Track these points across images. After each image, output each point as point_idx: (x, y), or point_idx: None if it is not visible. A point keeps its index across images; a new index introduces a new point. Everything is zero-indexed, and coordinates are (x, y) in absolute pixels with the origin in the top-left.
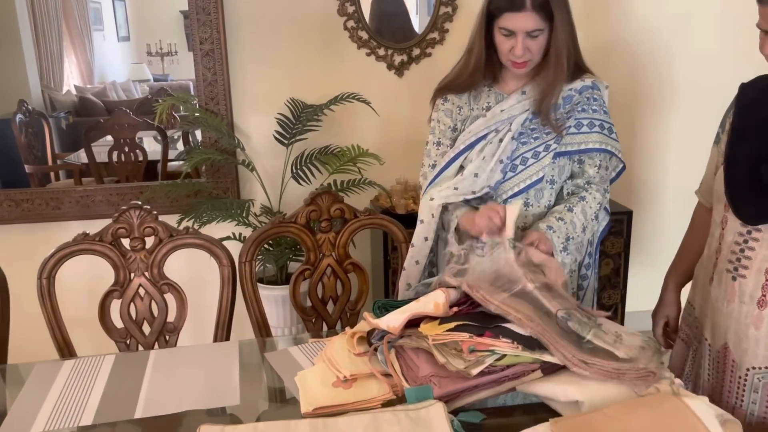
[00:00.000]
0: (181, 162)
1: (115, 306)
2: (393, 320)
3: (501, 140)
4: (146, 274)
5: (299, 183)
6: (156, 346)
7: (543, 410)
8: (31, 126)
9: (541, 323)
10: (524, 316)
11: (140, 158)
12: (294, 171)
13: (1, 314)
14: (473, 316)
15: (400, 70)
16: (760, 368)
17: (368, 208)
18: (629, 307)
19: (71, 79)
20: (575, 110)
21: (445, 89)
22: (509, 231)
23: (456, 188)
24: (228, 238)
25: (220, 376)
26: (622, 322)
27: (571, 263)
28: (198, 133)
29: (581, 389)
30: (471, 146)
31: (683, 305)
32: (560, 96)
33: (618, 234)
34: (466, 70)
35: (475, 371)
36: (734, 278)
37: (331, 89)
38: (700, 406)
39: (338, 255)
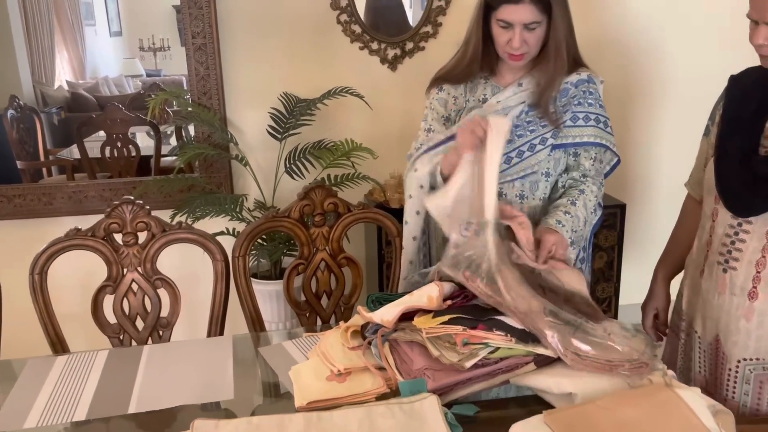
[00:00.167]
0: (174, 157)
1: (108, 301)
2: (387, 314)
3: None
4: (139, 269)
5: (293, 177)
6: (149, 341)
7: (536, 403)
8: (22, 122)
9: (534, 315)
10: (518, 310)
11: (133, 154)
12: (287, 165)
13: None
14: (467, 309)
15: (393, 64)
16: (751, 360)
17: (362, 202)
18: (623, 300)
19: (63, 75)
20: (571, 104)
21: (441, 79)
22: (497, 151)
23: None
24: (222, 233)
25: (214, 371)
26: (615, 315)
27: (581, 255)
28: (191, 129)
29: (574, 381)
30: None
31: (673, 297)
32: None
33: (611, 227)
34: (462, 62)
35: (468, 364)
36: (725, 270)
37: (325, 83)
38: (693, 397)
39: (332, 249)
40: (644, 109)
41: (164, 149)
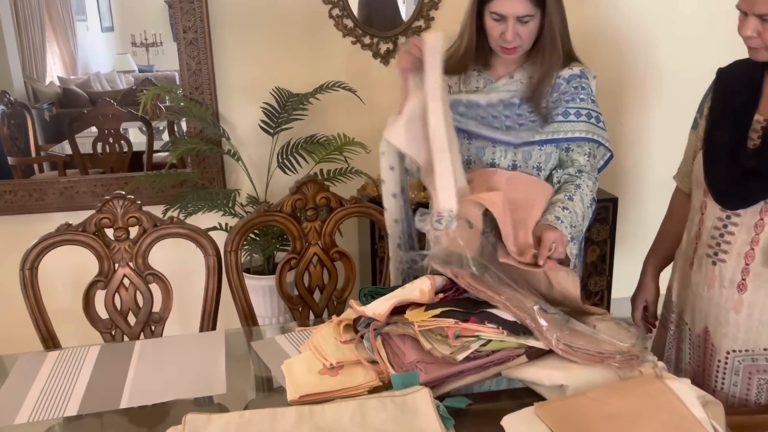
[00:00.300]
0: (167, 153)
1: (100, 297)
2: (379, 307)
3: None
4: (131, 264)
5: (285, 172)
6: (141, 336)
7: (528, 395)
8: (13, 117)
9: (526, 305)
10: (509, 302)
11: (125, 149)
12: (280, 160)
13: None
14: (459, 302)
15: (385, 58)
16: (740, 351)
17: (354, 196)
18: (615, 293)
19: (54, 70)
20: (562, 99)
21: None
22: (435, 69)
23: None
24: (214, 228)
25: (207, 366)
26: (608, 309)
27: (576, 253)
28: (184, 124)
29: (566, 373)
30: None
31: (663, 290)
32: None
33: (604, 221)
34: (456, 55)
35: (460, 357)
36: (714, 263)
37: (317, 78)
38: (683, 388)
39: (324, 243)
40: (637, 103)
41: (157, 145)
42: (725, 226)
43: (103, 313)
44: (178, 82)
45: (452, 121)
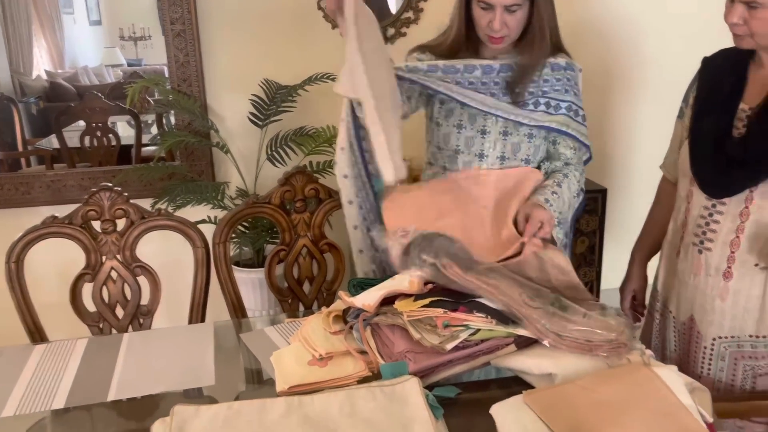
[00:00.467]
0: (156, 147)
1: (87, 290)
2: (368, 298)
3: None
4: (118, 256)
5: (274, 165)
6: (130, 329)
7: (517, 384)
8: (0, 112)
9: (513, 297)
10: (497, 291)
11: (113, 143)
12: (269, 153)
13: None
14: (448, 291)
15: None
16: (726, 338)
17: None
18: (604, 284)
19: (41, 64)
20: (541, 88)
21: (425, 47)
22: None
23: None
24: (203, 221)
25: (195, 358)
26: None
27: (563, 238)
28: (173, 118)
29: (554, 362)
30: None
31: (650, 279)
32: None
33: (593, 212)
34: (445, 44)
35: (449, 346)
36: (700, 251)
37: (306, 69)
38: (670, 375)
39: (314, 235)
40: (624, 94)
41: (145, 138)
42: (711, 215)
43: (90, 306)
44: (167, 76)
45: (389, 72)
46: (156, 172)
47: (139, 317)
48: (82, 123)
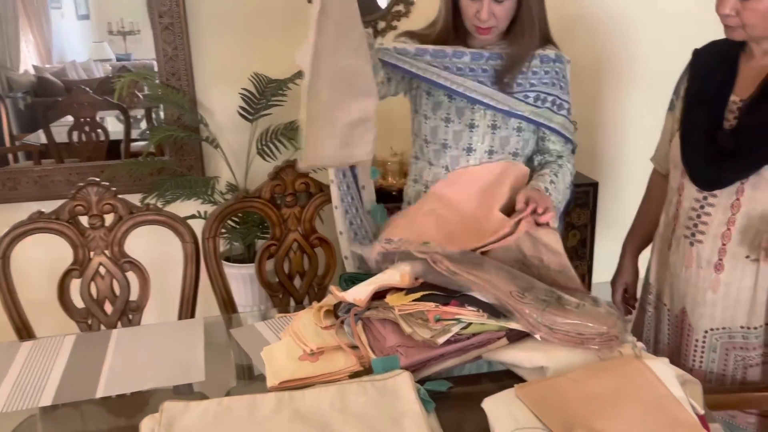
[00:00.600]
0: (145, 142)
1: (76, 286)
2: (359, 293)
3: None
4: (106, 252)
5: (265, 159)
6: (119, 325)
7: (509, 377)
8: None
9: (505, 291)
10: (489, 284)
11: (102, 138)
12: (259, 147)
13: None
14: (439, 286)
15: None
16: (718, 329)
17: None
18: (596, 278)
19: (29, 59)
20: (529, 80)
21: (412, 34)
22: None
23: None
24: (193, 216)
25: (185, 353)
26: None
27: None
28: (162, 113)
29: (546, 355)
30: None
31: (642, 272)
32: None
33: (584, 206)
34: (433, 34)
35: (441, 340)
36: (692, 244)
37: (296, 63)
38: (661, 367)
39: (304, 230)
40: (615, 87)
41: (135, 134)
42: (702, 207)
43: (78, 303)
44: (156, 71)
45: (356, 53)
46: (145, 167)
47: (128, 313)
48: (70, 118)
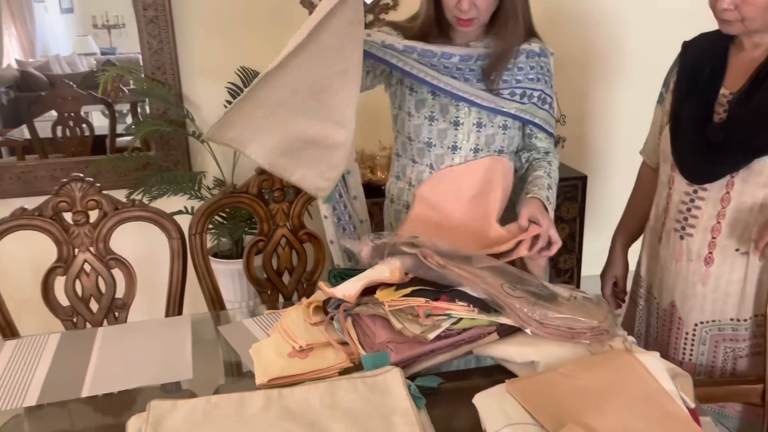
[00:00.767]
0: (131, 137)
1: (60, 283)
2: (349, 288)
3: None
4: (91, 249)
5: None
6: (105, 323)
7: (500, 372)
8: None
9: (495, 285)
10: (479, 279)
11: (86, 133)
12: None
13: None
14: (429, 281)
15: None
16: (707, 322)
17: None
18: (585, 271)
19: (12, 53)
20: (515, 77)
21: (395, 25)
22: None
23: None
24: (180, 212)
25: (173, 351)
26: (578, 286)
27: None
28: (148, 107)
29: (537, 350)
30: None
31: (632, 265)
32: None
33: (573, 199)
34: (415, 27)
35: (431, 336)
36: (682, 237)
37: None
38: (652, 361)
39: (293, 225)
40: (603, 80)
41: (120, 128)
42: (692, 201)
43: (63, 301)
44: (141, 65)
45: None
46: (130, 162)
47: (114, 311)
48: (54, 113)
